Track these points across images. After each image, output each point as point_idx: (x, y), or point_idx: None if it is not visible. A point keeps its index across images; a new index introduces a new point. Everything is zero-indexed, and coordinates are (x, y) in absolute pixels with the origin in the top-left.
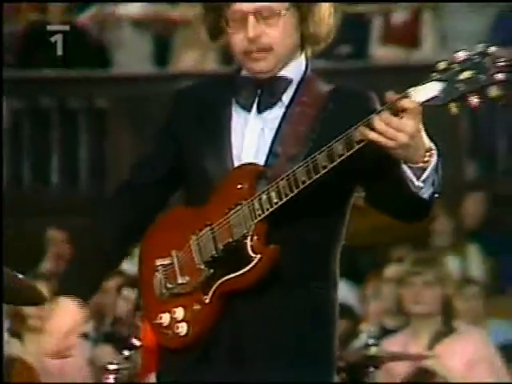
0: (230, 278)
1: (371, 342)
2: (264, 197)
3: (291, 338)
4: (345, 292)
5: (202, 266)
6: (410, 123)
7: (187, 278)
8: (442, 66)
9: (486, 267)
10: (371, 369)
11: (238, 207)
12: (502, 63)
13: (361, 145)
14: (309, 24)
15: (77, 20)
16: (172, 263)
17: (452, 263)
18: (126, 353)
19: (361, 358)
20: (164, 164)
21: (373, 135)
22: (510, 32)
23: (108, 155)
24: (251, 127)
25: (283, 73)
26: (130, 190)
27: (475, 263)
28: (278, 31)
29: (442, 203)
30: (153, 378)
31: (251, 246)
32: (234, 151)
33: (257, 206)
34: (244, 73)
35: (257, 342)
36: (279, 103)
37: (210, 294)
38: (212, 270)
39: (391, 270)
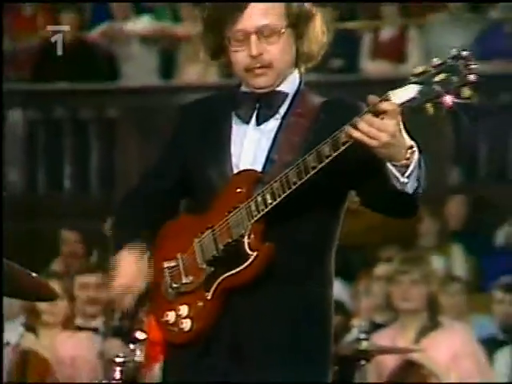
0: (230, 275)
1: (362, 336)
2: (259, 199)
3: (287, 334)
4: (337, 289)
5: (204, 266)
6: (390, 123)
7: (191, 278)
8: (418, 70)
9: (469, 266)
10: (362, 361)
11: (237, 209)
12: (474, 66)
13: (346, 145)
14: (304, 42)
15: (88, 36)
16: (177, 265)
17: (437, 262)
18: (132, 346)
19: (352, 352)
20: (172, 175)
21: (356, 134)
22: (492, 47)
23: (117, 162)
24: (250, 138)
25: (280, 88)
26: (140, 199)
27: (458, 262)
28: (277, 49)
29: (427, 206)
30: (157, 369)
31: (248, 244)
32: (234, 160)
33: (253, 207)
34: (243, 88)
35: (254, 338)
36: (276, 115)
37: (212, 290)
38: (213, 269)
39: (381, 269)
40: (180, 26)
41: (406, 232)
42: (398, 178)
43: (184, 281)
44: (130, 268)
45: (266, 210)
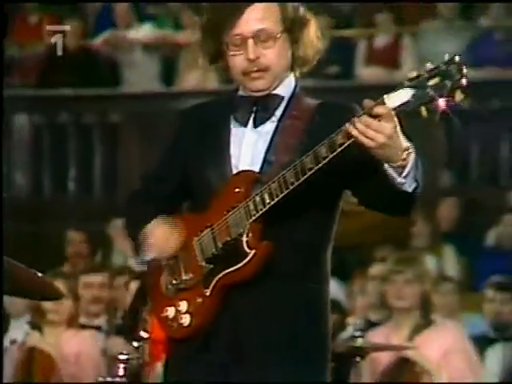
0: (229, 272)
1: (357, 333)
2: (258, 198)
3: (285, 330)
4: (333, 288)
5: (203, 263)
6: (387, 125)
7: (190, 275)
8: (413, 74)
9: (460, 266)
10: (357, 358)
11: (235, 209)
12: (466, 70)
13: (343, 147)
14: (299, 46)
15: (91, 43)
16: (177, 262)
17: (430, 262)
18: (135, 344)
19: (348, 349)
20: (173, 178)
21: (355, 132)
22: (482, 54)
23: (119, 165)
24: (247, 140)
25: (276, 91)
26: (143, 200)
27: (450, 262)
28: (274, 53)
29: (420, 208)
30: (159, 367)
31: (247, 242)
32: (233, 161)
33: (251, 206)
34: (241, 92)
35: (253, 334)
36: (272, 118)
37: (211, 287)
38: (212, 266)
39: (375, 269)
40: (181, 34)
41: (400, 233)
42: (394, 179)
43: (183, 277)
44: (162, 231)
45: (264, 210)
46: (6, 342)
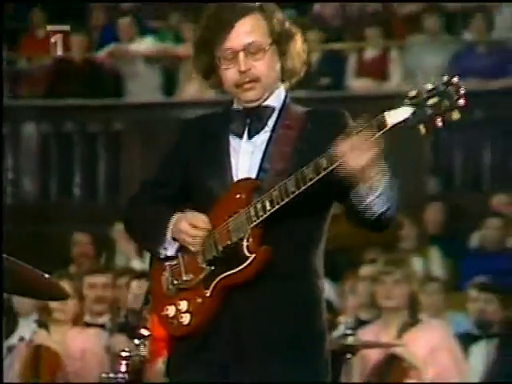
0: (229, 275)
1: (348, 332)
2: (259, 205)
3: (284, 329)
4: (326, 289)
5: (204, 265)
6: (364, 154)
7: (191, 276)
8: (412, 93)
9: (446, 267)
10: (348, 355)
11: (237, 214)
12: (463, 91)
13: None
14: (287, 58)
15: (96, 56)
16: (178, 263)
17: (417, 264)
18: (137, 341)
19: (339, 346)
20: (174, 183)
21: (339, 153)
22: (466, 66)
23: (122, 171)
24: (244, 150)
25: (267, 102)
26: (145, 203)
27: (436, 264)
28: (264, 64)
29: (408, 212)
30: (160, 363)
31: (247, 246)
32: (233, 171)
33: (252, 212)
34: (235, 106)
35: (252, 333)
36: (265, 128)
37: (211, 288)
38: (212, 268)
39: (366, 270)
40: (181, 47)
41: (389, 236)
42: (365, 199)
43: (184, 278)
44: (191, 214)
45: (264, 216)
46: (15, 340)
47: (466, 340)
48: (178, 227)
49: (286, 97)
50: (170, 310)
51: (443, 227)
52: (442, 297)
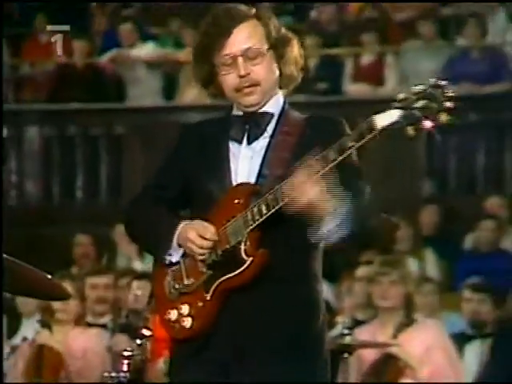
0: (228, 278)
1: (345, 331)
2: (255, 209)
3: (283, 329)
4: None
5: (204, 269)
6: (312, 188)
7: (192, 280)
8: (401, 96)
9: (440, 268)
10: (345, 354)
11: (234, 219)
12: (451, 94)
13: (335, 162)
14: (285, 63)
15: (98, 61)
16: (179, 268)
17: (412, 265)
18: (138, 341)
19: (336, 346)
20: (174, 186)
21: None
22: (460, 71)
23: (124, 174)
24: (243, 156)
25: (266, 108)
26: (146, 204)
27: (431, 265)
28: (262, 68)
29: (404, 214)
30: (161, 363)
31: (244, 250)
32: (233, 176)
33: (249, 217)
34: (234, 112)
35: (252, 333)
36: (265, 134)
37: (211, 291)
38: (212, 272)
39: (362, 271)
40: (181, 52)
41: (385, 237)
42: (318, 230)
43: (185, 282)
44: (199, 224)
45: (261, 220)
46: (18, 340)
47: (461, 339)
48: (185, 235)
49: (284, 103)
50: (172, 314)
51: (438, 229)
52: (436, 297)
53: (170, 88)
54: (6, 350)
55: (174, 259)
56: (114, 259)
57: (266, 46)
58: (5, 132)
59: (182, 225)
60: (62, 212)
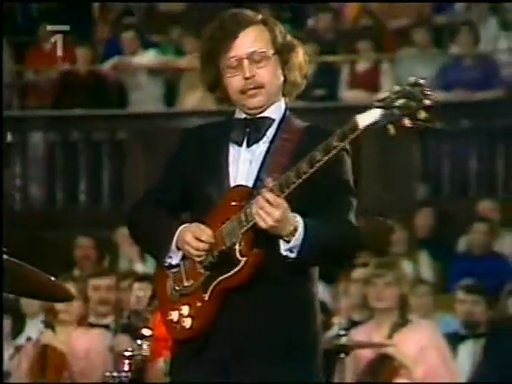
0: (224, 278)
1: (342, 332)
2: (249, 210)
3: (280, 329)
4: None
5: (202, 271)
6: (276, 211)
7: (191, 281)
8: (381, 96)
9: (434, 270)
10: (341, 355)
11: (229, 221)
12: (429, 92)
13: (321, 163)
14: (290, 69)
15: (101, 68)
16: (179, 270)
17: (407, 267)
18: (139, 341)
19: (333, 346)
20: (174, 190)
21: (254, 211)
22: (453, 78)
23: (126, 178)
24: (243, 159)
25: (267, 113)
26: (147, 208)
27: (425, 267)
28: (267, 71)
29: (399, 217)
30: (161, 362)
31: (239, 250)
32: (231, 179)
33: (243, 218)
34: (236, 115)
35: (250, 333)
36: (264, 138)
37: (209, 292)
38: (210, 273)
39: (358, 272)
40: (182, 60)
41: (380, 240)
42: (282, 247)
43: (185, 284)
44: (196, 226)
45: (254, 221)
46: (22, 340)
47: (454, 340)
48: (182, 238)
49: (286, 110)
50: (174, 315)
51: (432, 232)
52: (431, 298)
53: (170, 94)
54: (11, 350)
55: (174, 262)
56: (116, 261)
57: (271, 51)
58: (10, 138)
59: (180, 228)
60: (65, 216)
